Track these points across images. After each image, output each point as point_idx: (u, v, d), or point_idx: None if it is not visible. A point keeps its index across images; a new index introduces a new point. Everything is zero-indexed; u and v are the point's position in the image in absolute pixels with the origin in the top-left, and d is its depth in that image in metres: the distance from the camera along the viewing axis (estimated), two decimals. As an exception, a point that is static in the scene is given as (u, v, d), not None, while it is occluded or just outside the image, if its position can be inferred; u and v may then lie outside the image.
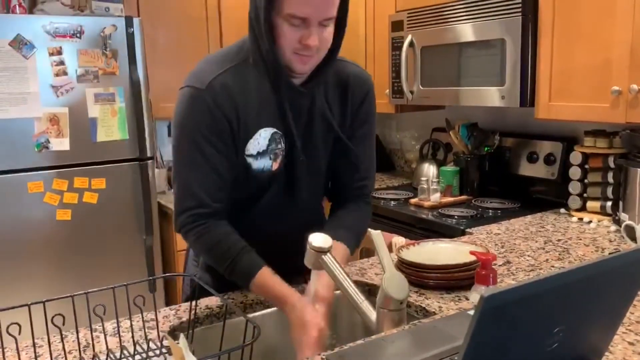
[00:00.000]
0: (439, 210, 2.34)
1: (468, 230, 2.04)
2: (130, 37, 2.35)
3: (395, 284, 1.02)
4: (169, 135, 3.16)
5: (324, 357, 0.90)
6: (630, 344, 0.95)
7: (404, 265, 1.48)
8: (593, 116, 1.95)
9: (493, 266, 1.25)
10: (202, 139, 1.24)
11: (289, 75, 1.27)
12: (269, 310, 1.41)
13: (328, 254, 1.16)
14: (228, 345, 0.89)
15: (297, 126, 1.33)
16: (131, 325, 1.12)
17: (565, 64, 2.02)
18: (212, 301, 1.37)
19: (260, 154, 1.32)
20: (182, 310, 1.35)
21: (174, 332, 1.25)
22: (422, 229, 2.26)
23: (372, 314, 1.06)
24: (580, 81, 1.98)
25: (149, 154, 2.45)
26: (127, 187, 2.44)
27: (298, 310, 1.15)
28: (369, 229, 1.13)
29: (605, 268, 0.69)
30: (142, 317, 1.11)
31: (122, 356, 1.03)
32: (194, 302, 1.18)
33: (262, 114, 1.29)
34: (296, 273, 1.33)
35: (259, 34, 1.23)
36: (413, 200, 2.48)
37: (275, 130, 1.32)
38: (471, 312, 1.02)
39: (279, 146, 1.33)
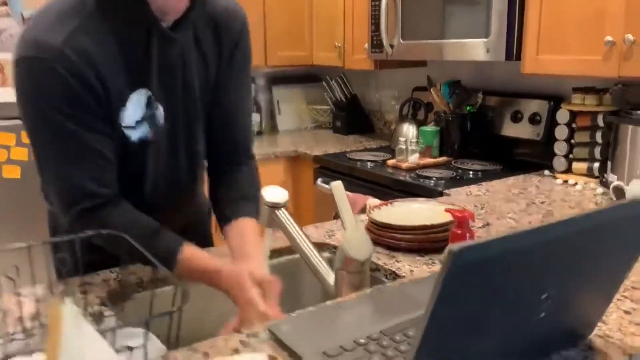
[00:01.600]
0: (417, 171, 2.21)
1: (446, 191, 1.91)
2: None
3: (356, 243, 0.88)
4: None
5: (266, 326, 0.76)
6: (627, 312, 0.82)
7: (374, 227, 1.35)
8: (583, 70, 1.81)
9: (471, 227, 1.12)
10: (68, 119, 1.01)
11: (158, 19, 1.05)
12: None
13: (283, 209, 1.02)
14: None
15: (172, 83, 1.13)
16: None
17: (555, 13, 1.86)
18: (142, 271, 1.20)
19: (139, 122, 1.10)
20: (125, 274, 1.19)
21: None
22: (398, 191, 2.13)
23: (331, 277, 0.92)
24: (571, 32, 1.83)
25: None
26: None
27: (239, 284, 0.97)
28: (331, 183, 0.98)
29: (604, 220, 0.55)
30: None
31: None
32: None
33: (130, 74, 1.07)
34: None
35: None
36: (390, 162, 2.34)
37: (148, 91, 1.10)
38: (443, 276, 0.88)
39: (155, 110, 1.12)
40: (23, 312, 0.95)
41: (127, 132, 1.09)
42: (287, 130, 3.27)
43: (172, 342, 0.81)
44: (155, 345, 0.89)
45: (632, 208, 0.58)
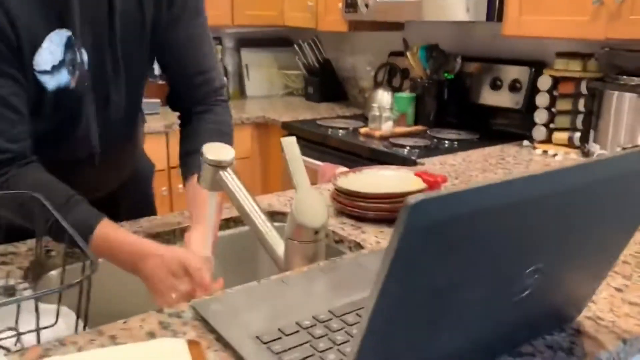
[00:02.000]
0: (390, 139, 2.09)
1: (420, 161, 1.79)
2: None
3: (308, 208, 0.75)
4: None
5: (191, 304, 0.63)
6: (618, 290, 0.71)
7: (340, 195, 1.22)
8: (569, 32, 1.69)
9: (443, 193, 0.99)
10: None
11: None
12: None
13: (228, 169, 0.88)
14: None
15: (98, 23, 0.99)
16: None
17: (541, -31, 1.73)
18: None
19: (57, 68, 0.95)
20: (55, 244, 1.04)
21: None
22: (370, 160, 2.00)
23: (280, 247, 0.79)
24: (557, -10, 1.70)
25: None
26: None
27: (170, 258, 0.84)
28: (281, 139, 0.85)
29: (607, 173, 0.43)
30: None
31: None
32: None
33: (47, 13, 0.93)
34: None
35: None
36: (363, 130, 2.21)
37: (68, 31, 0.96)
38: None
39: (78, 54, 0.97)
40: None
41: (42, 78, 0.93)
42: (256, 96, 3.11)
43: (85, 319, 0.67)
44: (71, 322, 0.76)
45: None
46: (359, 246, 1.08)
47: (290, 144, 0.81)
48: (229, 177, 0.86)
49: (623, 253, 0.87)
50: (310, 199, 0.76)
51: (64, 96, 0.97)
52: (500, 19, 1.86)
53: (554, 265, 0.46)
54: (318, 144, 2.25)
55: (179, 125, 1.19)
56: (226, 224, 1.25)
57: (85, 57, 0.97)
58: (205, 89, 1.14)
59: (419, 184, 1.21)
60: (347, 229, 1.14)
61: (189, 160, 1.07)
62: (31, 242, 1.05)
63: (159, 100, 2.56)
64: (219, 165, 0.87)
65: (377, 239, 1.08)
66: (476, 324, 0.44)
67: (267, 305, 0.62)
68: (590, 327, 0.61)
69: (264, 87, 3.14)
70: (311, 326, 0.56)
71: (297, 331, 0.56)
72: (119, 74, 1.03)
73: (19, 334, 0.57)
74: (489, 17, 1.86)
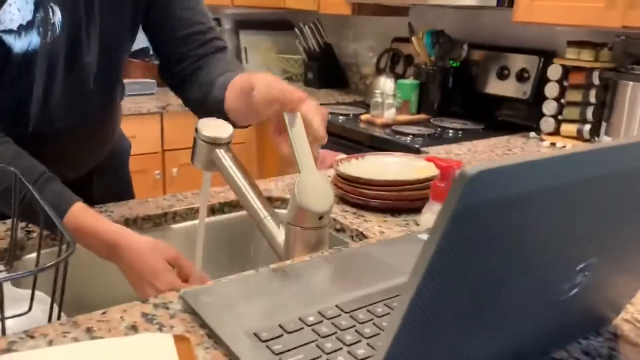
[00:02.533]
0: (392, 127, 2.01)
1: (424, 149, 1.73)
2: None
3: (313, 190, 0.67)
4: None
5: (181, 294, 0.56)
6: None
7: (341, 181, 1.15)
8: (583, 19, 1.61)
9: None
10: None
11: None
12: (159, 228, 1.06)
13: (225, 148, 0.80)
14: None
15: None
16: None
17: (556, -48, 1.65)
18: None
19: (25, 28, 0.86)
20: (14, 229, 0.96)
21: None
22: (371, 147, 1.93)
23: (280, 234, 0.71)
24: (572, -26, 1.62)
25: None
26: None
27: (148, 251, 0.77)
28: (284, 113, 0.77)
29: None
30: None
31: None
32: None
33: None
34: None
35: None
36: (364, 117, 2.14)
37: None
38: (424, 237, 0.68)
39: (50, 13, 0.88)
40: None
41: (8, 39, 0.83)
42: (254, 80, 3.02)
43: (59, 308, 0.60)
44: (47, 310, 0.69)
45: None
46: (361, 235, 1.01)
47: (294, 118, 0.74)
48: (226, 157, 0.79)
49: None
50: (315, 180, 0.69)
51: (32, 60, 0.87)
52: (510, 4, 1.79)
53: (607, 261, 0.39)
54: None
55: (177, 92, 1.09)
56: (221, 208, 1.18)
57: (58, 16, 0.87)
58: (214, 28, 1.06)
59: (428, 171, 1.13)
60: (349, 217, 1.08)
61: (217, 82, 0.96)
62: (10, 222, 0.98)
63: (154, 81, 2.47)
64: (215, 143, 0.79)
65: (380, 229, 1.01)
66: (516, 324, 0.38)
67: (266, 297, 0.55)
68: (629, 331, 0.54)
69: (262, 71, 3.06)
70: (316, 323, 0.49)
71: (301, 328, 0.48)
72: (94, 39, 0.94)
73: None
74: (500, 2, 1.79)
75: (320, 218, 0.68)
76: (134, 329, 0.50)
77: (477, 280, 0.29)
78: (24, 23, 0.84)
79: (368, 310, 0.52)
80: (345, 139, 2.06)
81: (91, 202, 0.88)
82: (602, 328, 0.54)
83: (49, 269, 0.53)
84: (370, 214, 1.08)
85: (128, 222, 1.05)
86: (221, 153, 0.79)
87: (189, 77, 1.05)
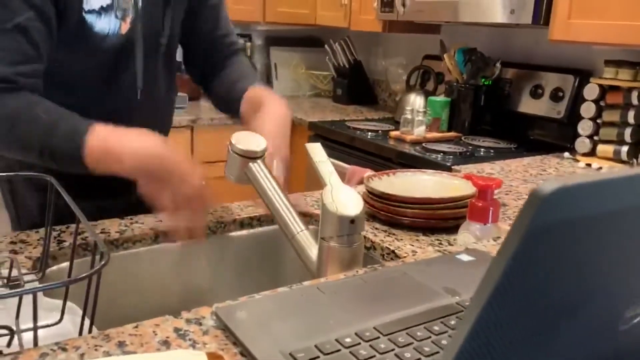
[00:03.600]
0: (423, 144, 1.99)
1: (455, 167, 1.70)
2: None
3: (342, 197, 0.66)
4: None
5: (214, 309, 0.54)
6: None
7: (372, 198, 1.13)
8: (622, 38, 1.58)
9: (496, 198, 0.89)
10: None
11: None
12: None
13: (259, 161, 0.79)
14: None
15: None
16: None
17: (595, -31, 1.63)
18: (112, 225, 1.00)
19: (105, 10, 0.89)
20: (68, 233, 0.97)
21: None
22: (401, 164, 1.91)
23: (313, 249, 0.70)
24: (611, -8, 1.59)
25: None
26: None
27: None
28: (305, 144, 0.77)
29: None
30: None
31: None
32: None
33: None
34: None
35: None
36: (394, 133, 2.12)
37: None
38: (463, 257, 0.66)
39: None
40: None
41: (89, 18, 0.87)
42: (283, 96, 3.03)
43: (91, 320, 0.59)
44: (78, 321, 0.68)
45: None
46: (393, 254, 0.99)
47: (315, 147, 0.73)
48: (260, 170, 0.78)
49: None
50: (343, 188, 0.67)
51: (112, 42, 0.91)
52: (546, 22, 1.76)
53: (673, 289, 0.36)
54: (346, 146, 2.16)
55: (201, 85, 1.23)
56: (250, 222, 1.17)
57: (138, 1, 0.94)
58: (229, 47, 1.20)
59: (462, 189, 1.11)
60: (379, 235, 1.05)
61: (235, 87, 1.10)
62: (43, 231, 0.98)
63: (186, 95, 2.49)
64: (249, 157, 0.78)
65: (412, 248, 0.99)
66: (576, 352, 0.35)
67: (301, 316, 0.53)
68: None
69: (291, 87, 3.07)
70: (354, 345, 0.47)
71: (338, 350, 0.46)
72: (168, 23, 1.02)
73: (12, 333, 0.49)
74: (535, 20, 1.76)
75: (352, 222, 0.66)
76: (166, 344, 0.49)
77: (544, 305, 0.27)
78: (104, 5, 0.89)
79: (407, 334, 0.49)
80: (374, 155, 2.04)
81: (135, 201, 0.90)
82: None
83: (82, 280, 0.53)
84: (402, 232, 1.06)
85: (157, 234, 1.05)
86: (255, 166, 0.78)
87: (213, 73, 1.18)
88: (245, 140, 0.79)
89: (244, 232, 1.17)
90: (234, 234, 1.14)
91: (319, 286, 0.59)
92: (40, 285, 0.49)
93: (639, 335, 0.41)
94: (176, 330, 0.52)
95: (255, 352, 0.46)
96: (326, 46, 2.86)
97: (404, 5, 2.16)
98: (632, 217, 0.26)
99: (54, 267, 0.86)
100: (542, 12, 1.75)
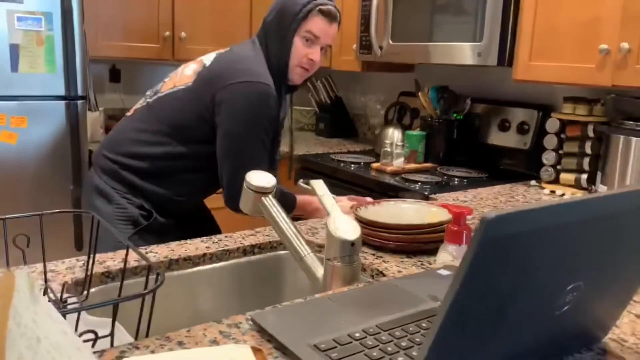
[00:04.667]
0: (402, 175, 2.15)
1: (432, 196, 1.86)
2: (64, -46, 2.03)
3: (343, 225, 0.81)
4: (111, 80, 2.85)
5: (248, 316, 0.68)
6: (638, 316, 0.76)
7: (361, 225, 1.26)
8: (576, 78, 1.78)
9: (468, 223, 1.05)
10: (270, 125, 1.52)
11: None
12: (197, 268, 1.19)
13: (270, 196, 0.94)
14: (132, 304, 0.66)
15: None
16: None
17: (550, 19, 1.83)
18: (130, 254, 1.14)
19: None
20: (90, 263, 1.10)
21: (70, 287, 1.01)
22: (382, 194, 2.06)
23: (319, 269, 0.84)
24: (565, 39, 1.80)
25: (80, 93, 2.14)
26: (53, 128, 2.14)
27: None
28: (311, 181, 0.92)
29: None
30: (25, 262, 0.87)
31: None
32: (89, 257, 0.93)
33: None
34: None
35: (276, 45, 1.56)
36: (375, 165, 2.28)
37: None
38: (442, 272, 0.81)
39: None
40: None
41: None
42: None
43: (142, 335, 0.72)
44: (122, 336, 0.80)
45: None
46: (381, 274, 1.13)
47: (318, 182, 0.88)
48: (271, 203, 0.93)
49: (639, 284, 0.92)
50: (344, 219, 0.82)
51: None
52: (510, 63, 1.96)
53: (591, 285, 0.52)
54: (330, 177, 2.32)
55: None
56: (251, 249, 1.30)
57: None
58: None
59: (439, 215, 1.26)
60: (369, 258, 1.19)
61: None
62: (69, 261, 1.11)
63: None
64: (262, 192, 0.93)
65: (398, 268, 1.13)
66: (524, 335, 0.50)
67: (319, 319, 0.67)
68: (615, 348, 0.66)
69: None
70: (362, 338, 0.62)
71: (351, 342, 0.61)
72: None
73: (96, 338, 0.62)
74: (500, 62, 1.95)
75: (352, 245, 0.80)
76: (215, 342, 0.62)
77: (495, 297, 0.42)
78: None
79: (402, 329, 0.64)
80: (358, 185, 2.19)
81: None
82: (593, 345, 0.66)
83: (148, 294, 0.65)
84: (388, 255, 1.20)
85: (171, 262, 1.18)
86: (267, 200, 0.93)
87: None
88: (257, 178, 0.94)
89: (246, 258, 1.30)
90: (236, 260, 1.27)
91: (330, 297, 0.73)
92: (121, 297, 0.62)
93: (572, 321, 0.56)
94: (220, 332, 0.65)
95: (288, 345, 0.59)
96: (309, 84, 3.04)
97: (381, 48, 2.36)
98: (552, 233, 0.41)
99: (93, 290, 0.99)
100: (506, 55, 1.95)
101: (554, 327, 0.53)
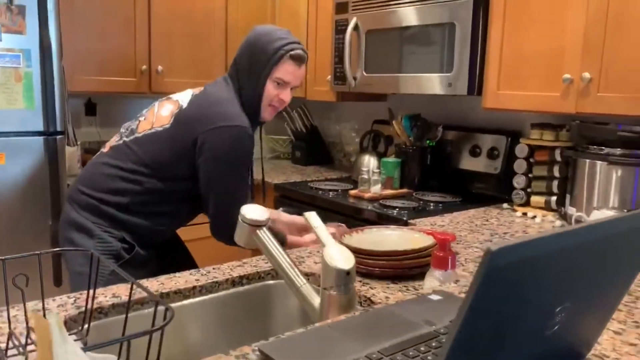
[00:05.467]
0: (380, 201, 2.21)
1: (410, 221, 1.91)
2: (42, -6, 2.06)
3: (338, 255, 0.85)
4: (87, 113, 2.85)
5: (255, 347, 0.71)
6: (617, 333, 0.82)
7: (346, 253, 1.31)
8: (542, 106, 1.88)
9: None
10: (249, 162, 1.62)
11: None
12: (188, 301, 1.21)
13: (264, 228, 0.97)
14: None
15: None
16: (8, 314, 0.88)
17: (516, 50, 1.94)
18: (120, 290, 1.16)
19: None
20: (82, 299, 1.12)
21: (68, 324, 1.02)
22: (362, 220, 2.11)
23: (315, 298, 0.88)
24: (531, 69, 1.90)
25: (59, 128, 2.15)
26: (32, 164, 2.13)
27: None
28: (304, 213, 0.96)
29: (630, 225, 0.55)
30: (24, 302, 0.88)
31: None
32: (91, 290, 0.95)
33: None
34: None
35: (248, 87, 1.65)
36: (353, 192, 2.34)
37: None
38: (433, 297, 0.86)
39: None
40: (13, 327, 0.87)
41: None
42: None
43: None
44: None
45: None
46: (369, 301, 1.16)
47: (311, 215, 0.93)
48: (265, 235, 0.96)
49: (615, 302, 0.99)
50: (339, 249, 0.86)
51: None
52: (480, 92, 2.05)
53: (577, 305, 0.57)
54: (310, 205, 2.36)
55: None
56: (240, 281, 1.32)
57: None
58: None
59: (422, 241, 1.31)
60: (356, 284, 1.23)
61: None
62: (60, 299, 1.12)
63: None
64: (256, 225, 0.96)
65: (385, 294, 1.17)
66: (519, 353, 0.55)
67: (322, 347, 0.70)
68: (598, 363, 0.71)
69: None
70: (366, 363, 0.65)
71: (356, 367, 0.64)
72: None
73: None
74: (470, 92, 2.05)
75: (348, 274, 0.84)
76: (226, 373, 0.65)
77: (496, 320, 0.46)
78: None
79: (402, 353, 0.68)
80: (337, 212, 2.24)
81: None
82: (579, 361, 0.71)
83: (159, 330, 0.68)
84: (374, 281, 1.24)
85: (162, 296, 1.19)
86: (261, 233, 0.96)
87: None
88: (252, 212, 0.98)
89: (234, 289, 1.32)
90: (225, 292, 1.29)
91: (330, 325, 0.77)
92: (137, 332, 0.64)
93: (560, 340, 0.61)
94: (229, 363, 0.68)
95: (297, 373, 0.62)
96: (284, 113, 3.10)
97: (355, 79, 2.43)
98: (544, 261, 0.46)
99: (103, 321, 1.01)
100: (476, 85, 2.05)
101: (545, 346, 0.58)
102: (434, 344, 0.70)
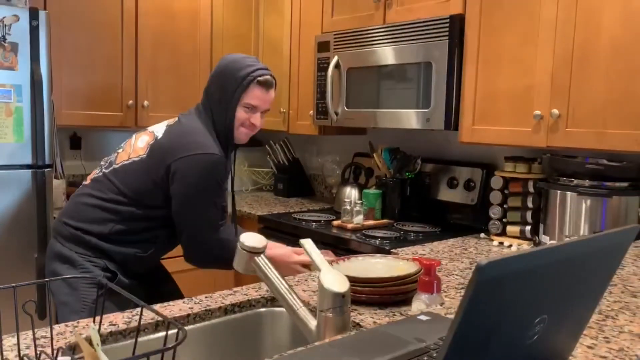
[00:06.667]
0: (363, 231, 2.28)
1: (393, 250, 1.98)
2: (34, 31, 2.12)
3: (333, 279, 0.91)
4: (72, 147, 2.89)
5: (263, 364, 0.76)
6: (589, 347, 0.90)
7: (334, 280, 1.37)
8: (515, 140, 1.99)
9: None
10: (220, 188, 1.69)
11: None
12: (174, 330, 1.24)
13: (262, 255, 1.03)
14: None
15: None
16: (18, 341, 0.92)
17: (489, 88, 2.05)
18: (116, 318, 1.19)
19: None
20: (81, 327, 1.15)
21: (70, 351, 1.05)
22: (346, 250, 2.18)
23: (312, 321, 0.93)
24: (504, 106, 2.02)
25: (47, 162, 2.18)
26: (19, 196, 2.16)
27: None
28: (300, 240, 1.03)
29: (600, 244, 0.63)
30: (33, 328, 0.91)
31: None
32: (98, 315, 0.99)
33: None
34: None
35: (220, 114, 1.72)
36: (336, 222, 2.41)
37: None
38: (422, 317, 0.92)
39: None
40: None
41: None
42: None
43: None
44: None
45: (628, 234, 0.66)
46: (358, 326, 1.22)
47: (307, 242, 0.99)
48: (263, 262, 1.02)
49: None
50: (334, 273, 0.93)
51: None
52: (456, 127, 2.16)
53: (553, 317, 0.64)
54: (293, 235, 2.41)
55: None
56: (232, 309, 1.37)
57: None
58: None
59: (407, 268, 1.38)
60: (345, 310, 1.29)
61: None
62: (58, 327, 1.15)
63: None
64: (254, 252, 1.02)
65: (373, 319, 1.23)
66: (505, 357, 0.62)
67: (323, 363, 0.76)
68: (573, 374, 0.78)
69: (235, 183, 3.32)
70: (365, 377, 0.71)
71: (356, 380, 0.70)
72: None
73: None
74: (447, 126, 2.15)
75: (343, 296, 0.91)
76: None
77: (485, 326, 0.53)
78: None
79: (398, 368, 0.74)
80: (321, 242, 2.29)
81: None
82: (556, 372, 0.78)
83: (170, 349, 0.72)
84: (361, 307, 1.30)
85: (157, 324, 1.23)
86: (259, 259, 1.02)
87: None
88: (250, 239, 1.04)
89: (226, 317, 1.36)
90: (217, 320, 1.33)
91: (329, 344, 0.83)
92: (154, 350, 0.68)
93: (540, 349, 0.68)
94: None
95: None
96: (267, 146, 3.18)
97: (336, 113, 2.53)
98: (526, 274, 0.54)
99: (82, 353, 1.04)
100: (452, 120, 2.15)
101: (525, 355, 0.65)
102: (425, 359, 0.77)
